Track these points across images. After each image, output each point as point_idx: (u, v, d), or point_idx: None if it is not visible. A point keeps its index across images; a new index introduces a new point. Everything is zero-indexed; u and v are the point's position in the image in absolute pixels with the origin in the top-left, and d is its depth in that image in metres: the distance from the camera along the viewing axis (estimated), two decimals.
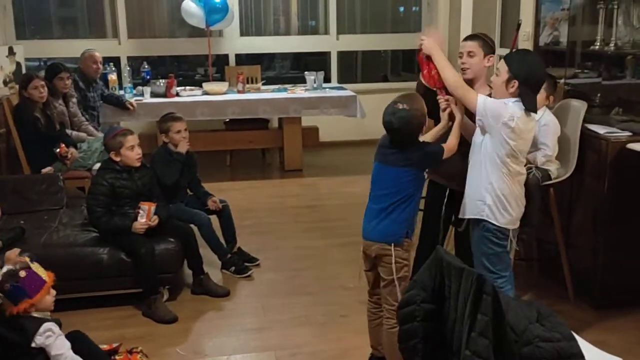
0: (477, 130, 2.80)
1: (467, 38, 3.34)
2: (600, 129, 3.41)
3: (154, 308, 3.50)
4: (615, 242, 3.39)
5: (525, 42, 4.51)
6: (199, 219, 3.97)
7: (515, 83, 2.65)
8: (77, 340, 2.76)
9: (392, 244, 2.71)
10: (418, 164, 2.75)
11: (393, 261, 2.72)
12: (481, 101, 2.69)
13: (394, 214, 2.72)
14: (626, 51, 3.62)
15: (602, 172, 3.32)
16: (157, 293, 3.55)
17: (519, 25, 4.59)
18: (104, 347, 3.02)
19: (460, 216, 2.96)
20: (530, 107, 2.68)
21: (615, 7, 3.65)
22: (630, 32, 3.64)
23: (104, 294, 3.60)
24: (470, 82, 3.07)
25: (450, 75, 2.82)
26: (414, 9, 8.21)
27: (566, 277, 3.58)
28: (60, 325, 2.72)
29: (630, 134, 3.36)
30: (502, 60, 2.72)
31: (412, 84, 7.91)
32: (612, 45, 3.67)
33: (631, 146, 3.26)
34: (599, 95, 3.82)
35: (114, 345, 3.05)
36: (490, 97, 2.79)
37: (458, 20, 6.47)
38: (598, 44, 3.76)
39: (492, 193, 2.74)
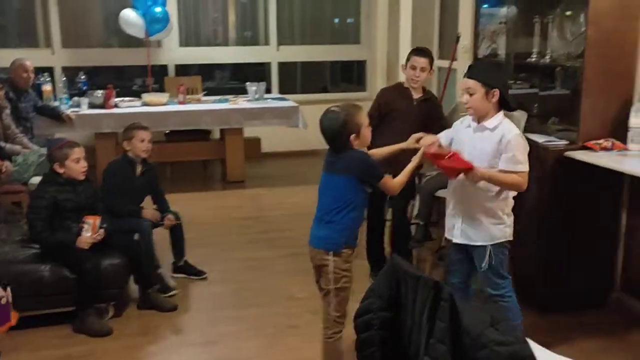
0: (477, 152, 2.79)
1: (419, 54, 3.80)
2: (539, 138, 3.54)
3: (87, 323, 3.39)
4: (557, 247, 3.51)
5: (464, 54, 4.64)
6: (140, 227, 3.80)
7: (496, 92, 2.69)
8: None
9: (331, 253, 2.71)
10: (356, 172, 2.70)
11: (331, 270, 2.72)
12: (525, 168, 2.75)
13: (334, 221, 2.72)
14: (560, 63, 3.78)
15: (542, 180, 3.44)
16: (91, 308, 3.43)
17: (458, 38, 4.73)
18: None
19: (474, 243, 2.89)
20: (514, 106, 2.83)
21: (550, 21, 3.80)
22: (564, 45, 3.80)
23: (46, 313, 3.46)
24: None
25: (506, 182, 2.76)
26: (348, 20, 8.33)
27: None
28: None
29: (567, 142, 3.50)
30: (466, 79, 2.74)
31: (351, 95, 8.14)
32: (548, 57, 3.81)
33: (569, 154, 3.40)
34: (536, 105, 3.97)
35: None
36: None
37: (397, 32, 6.60)
38: (534, 56, 3.90)
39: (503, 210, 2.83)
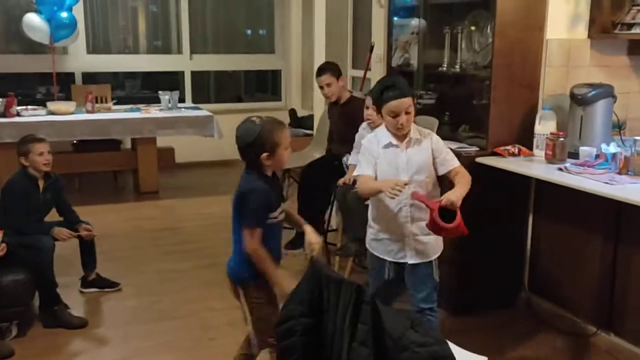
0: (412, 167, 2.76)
1: (318, 73, 4.33)
2: (452, 145, 3.63)
3: None
4: (468, 251, 3.61)
5: (378, 63, 4.71)
6: (41, 243, 3.55)
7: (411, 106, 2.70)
8: None
9: (239, 285, 2.54)
10: (234, 202, 2.51)
11: (242, 302, 2.56)
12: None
13: (235, 251, 2.56)
14: (469, 73, 3.92)
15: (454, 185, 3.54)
16: None
17: (372, 47, 4.81)
18: None
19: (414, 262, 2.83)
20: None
21: (459, 32, 3.93)
22: (472, 56, 3.94)
23: None
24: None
25: (468, 180, 2.80)
26: (260, 32, 8.34)
27: None
28: None
29: (477, 148, 3.63)
30: (405, 99, 2.64)
31: (266, 104, 8.13)
32: (457, 67, 3.94)
33: (480, 160, 3.52)
34: (447, 113, 4.09)
35: None
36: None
37: (311, 41, 6.65)
38: (445, 66, 4.02)
39: None
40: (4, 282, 3.28)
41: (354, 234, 3.85)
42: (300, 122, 7.39)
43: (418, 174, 2.74)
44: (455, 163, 2.81)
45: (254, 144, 2.46)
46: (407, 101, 2.65)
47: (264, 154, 2.47)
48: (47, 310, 3.54)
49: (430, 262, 2.85)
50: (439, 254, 2.90)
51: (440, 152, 2.79)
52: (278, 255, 2.59)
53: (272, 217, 2.52)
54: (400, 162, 2.74)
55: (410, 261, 2.81)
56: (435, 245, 2.86)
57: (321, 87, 4.27)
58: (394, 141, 2.75)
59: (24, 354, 3.23)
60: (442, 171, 2.79)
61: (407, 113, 2.65)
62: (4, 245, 3.29)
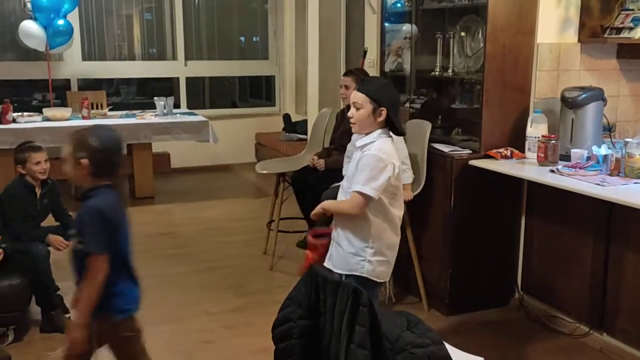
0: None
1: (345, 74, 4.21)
2: (445, 148, 3.65)
3: None
4: (463, 251, 3.62)
5: (371, 68, 4.71)
6: (35, 250, 3.46)
7: (384, 111, 2.51)
8: None
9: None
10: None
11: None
12: (371, 192, 2.46)
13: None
14: (462, 77, 3.92)
15: (448, 187, 3.55)
16: None
17: (365, 53, 4.82)
18: None
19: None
20: (402, 131, 2.64)
21: (451, 37, 3.94)
22: (464, 61, 3.95)
23: None
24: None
25: (342, 209, 2.60)
26: (254, 39, 8.34)
27: (420, 288, 3.76)
28: None
29: (470, 151, 3.63)
30: (356, 92, 2.57)
31: (260, 109, 8.14)
32: (450, 71, 3.95)
33: (472, 163, 3.52)
34: (440, 117, 4.09)
35: None
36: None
37: (304, 47, 6.65)
38: (437, 70, 4.02)
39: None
40: (0, 287, 3.23)
41: None
42: (294, 127, 7.38)
43: (348, 180, 2.62)
44: (352, 187, 2.53)
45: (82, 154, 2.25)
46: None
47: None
48: (45, 315, 3.50)
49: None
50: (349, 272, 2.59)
51: (357, 171, 2.55)
52: None
53: None
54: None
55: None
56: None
57: (341, 87, 4.25)
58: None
59: (21, 359, 3.19)
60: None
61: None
62: (0, 250, 3.26)
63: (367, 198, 2.47)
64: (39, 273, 3.43)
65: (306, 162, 4.45)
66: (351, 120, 2.61)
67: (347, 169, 2.72)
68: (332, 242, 2.69)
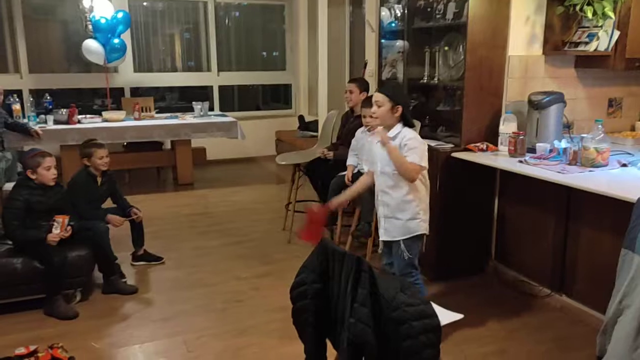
0: (384, 159, 2.69)
1: (350, 81, 4.20)
2: (432, 143, 3.62)
3: (55, 307, 3.18)
4: (446, 228, 3.60)
5: (370, 77, 4.68)
6: (96, 227, 3.51)
7: (399, 108, 2.63)
8: None
9: None
10: None
11: None
12: (425, 164, 2.65)
13: None
14: (445, 83, 3.88)
15: (434, 175, 3.51)
16: (58, 294, 3.22)
17: (365, 64, 4.78)
18: (22, 350, 2.69)
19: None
20: (412, 123, 2.74)
21: (437, 51, 3.90)
22: (448, 70, 3.91)
23: (18, 300, 3.22)
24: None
25: (402, 163, 2.64)
26: (274, 53, 8.30)
27: None
28: None
29: (452, 145, 3.60)
30: (377, 93, 2.68)
31: (279, 111, 8.12)
32: (436, 79, 3.91)
33: (454, 155, 3.49)
34: (427, 117, 4.06)
35: (31, 348, 2.72)
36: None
37: (316, 60, 6.62)
38: (425, 78, 3.99)
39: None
40: (70, 257, 3.27)
41: (365, 217, 3.81)
42: (308, 126, 7.37)
43: (388, 165, 2.70)
44: (409, 159, 2.65)
45: None
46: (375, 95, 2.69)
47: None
48: (106, 279, 3.54)
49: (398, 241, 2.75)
50: (407, 235, 2.73)
51: (405, 152, 2.67)
52: None
53: None
54: (378, 154, 2.75)
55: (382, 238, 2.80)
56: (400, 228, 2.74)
57: (346, 92, 4.22)
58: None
59: (87, 315, 3.23)
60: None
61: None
62: (69, 227, 3.29)
63: (423, 168, 2.65)
64: (101, 246, 3.46)
65: (318, 155, 4.44)
66: (373, 115, 2.71)
67: (375, 156, 2.73)
68: (380, 220, 2.78)
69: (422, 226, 2.74)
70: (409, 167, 2.62)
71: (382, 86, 2.84)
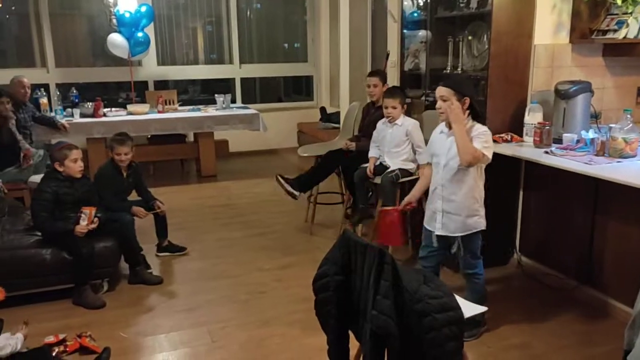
0: (450, 153, 2.64)
1: (370, 74, 4.14)
2: None
3: (83, 297, 3.25)
4: None
5: (392, 68, 4.64)
6: (122, 218, 3.56)
7: (467, 100, 2.57)
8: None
9: None
10: None
11: None
12: (480, 146, 2.55)
13: None
14: (469, 74, 3.83)
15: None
16: (86, 284, 3.29)
17: (387, 55, 4.74)
18: (51, 339, 2.76)
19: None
20: (482, 115, 2.68)
21: (460, 40, 3.84)
22: (472, 60, 3.85)
23: (47, 290, 3.30)
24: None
25: (468, 145, 2.56)
26: (296, 44, 8.28)
27: None
28: (2, 322, 2.46)
29: None
30: (440, 87, 2.59)
31: (301, 103, 8.12)
32: (459, 69, 3.86)
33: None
34: None
35: (60, 336, 2.79)
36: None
37: (337, 52, 6.59)
38: (449, 69, 3.94)
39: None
40: (97, 248, 3.33)
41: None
42: (329, 118, 7.34)
43: (454, 160, 2.64)
44: (477, 145, 2.57)
45: None
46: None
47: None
48: (131, 270, 3.60)
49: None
50: (466, 232, 2.71)
51: (474, 142, 2.60)
52: None
53: None
54: (444, 148, 2.71)
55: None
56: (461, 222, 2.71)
57: (368, 86, 4.14)
58: (444, 130, 2.72)
59: (113, 305, 3.29)
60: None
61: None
62: (96, 219, 3.35)
63: (485, 157, 2.57)
64: (126, 237, 3.52)
65: (340, 146, 4.43)
66: (440, 111, 2.63)
67: (449, 150, 2.64)
68: (436, 215, 2.73)
69: (480, 223, 2.72)
70: (471, 149, 2.53)
71: (445, 79, 2.73)
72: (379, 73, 4.22)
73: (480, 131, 2.61)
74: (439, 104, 2.61)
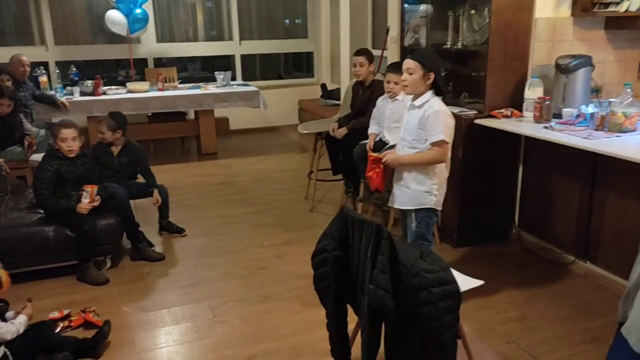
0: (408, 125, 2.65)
1: (356, 54, 4.07)
2: (455, 109, 3.55)
3: (87, 273, 3.28)
4: (469, 195, 3.58)
5: (393, 43, 4.59)
6: (117, 193, 3.55)
7: (432, 75, 2.53)
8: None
9: None
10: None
11: None
12: (445, 138, 2.54)
13: None
14: (469, 49, 3.79)
15: (457, 142, 3.44)
16: (89, 261, 3.32)
17: (387, 30, 4.68)
18: (55, 314, 2.81)
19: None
20: (445, 91, 2.66)
21: (461, 14, 3.79)
22: (472, 35, 3.81)
23: (51, 267, 3.34)
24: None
25: (423, 160, 2.61)
26: (297, 20, 8.19)
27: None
28: (7, 305, 2.50)
29: (476, 112, 3.54)
30: (409, 60, 2.56)
31: (301, 80, 8.06)
32: (459, 44, 3.82)
33: (478, 121, 3.44)
34: (451, 83, 3.99)
35: (65, 312, 2.84)
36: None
37: (337, 28, 6.52)
38: (449, 43, 3.90)
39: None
40: (99, 225, 3.35)
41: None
42: (330, 94, 7.30)
43: (408, 134, 2.66)
44: (430, 139, 2.58)
45: None
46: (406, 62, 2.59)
47: None
48: (134, 247, 3.63)
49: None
50: (416, 206, 2.67)
51: (426, 125, 2.59)
52: None
53: None
54: (404, 120, 2.76)
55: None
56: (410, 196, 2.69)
57: (354, 65, 4.12)
58: (408, 103, 2.72)
59: (117, 282, 3.33)
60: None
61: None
62: (98, 197, 3.36)
63: (446, 144, 2.54)
64: (124, 211, 3.53)
65: (327, 130, 4.40)
66: (404, 83, 2.60)
67: (406, 123, 2.67)
68: (393, 185, 2.75)
69: (432, 200, 2.65)
70: (432, 158, 2.56)
71: (414, 52, 2.70)
72: (365, 52, 4.18)
73: (435, 109, 2.53)
74: (404, 76, 2.58)
